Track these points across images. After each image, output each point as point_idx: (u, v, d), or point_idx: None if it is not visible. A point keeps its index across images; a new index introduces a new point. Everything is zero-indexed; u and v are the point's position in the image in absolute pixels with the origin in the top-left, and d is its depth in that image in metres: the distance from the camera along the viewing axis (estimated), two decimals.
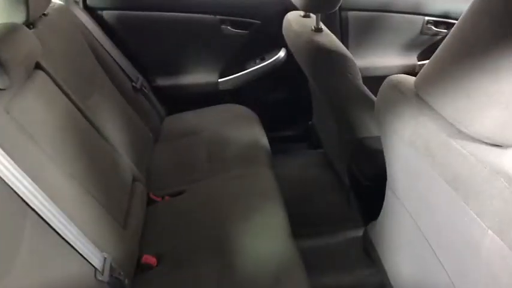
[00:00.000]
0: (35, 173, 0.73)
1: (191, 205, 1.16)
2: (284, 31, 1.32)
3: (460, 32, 0.51)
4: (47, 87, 0.93)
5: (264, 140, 1.43)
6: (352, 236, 1.44)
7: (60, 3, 1.28)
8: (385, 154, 0.80)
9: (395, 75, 0.71)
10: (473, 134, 0.48)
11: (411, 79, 0.66)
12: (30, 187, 0.70)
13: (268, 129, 1.52)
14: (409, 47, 1.79)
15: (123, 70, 1.42)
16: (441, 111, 0.52)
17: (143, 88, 1.50)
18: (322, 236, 1.45)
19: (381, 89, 0.72)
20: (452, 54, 0.52)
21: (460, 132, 0.50)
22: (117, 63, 1.39)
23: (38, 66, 0.93)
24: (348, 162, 1.17)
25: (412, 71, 1.82)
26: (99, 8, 1.45)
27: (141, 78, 1.51)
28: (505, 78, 0.44)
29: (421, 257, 0.75)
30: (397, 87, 0.66)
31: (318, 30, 1.11)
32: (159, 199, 1.22)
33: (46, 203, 0.72)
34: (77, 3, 1.39)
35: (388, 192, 0.86)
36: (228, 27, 1.57)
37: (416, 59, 1.83)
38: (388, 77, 0.71)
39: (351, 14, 1.63)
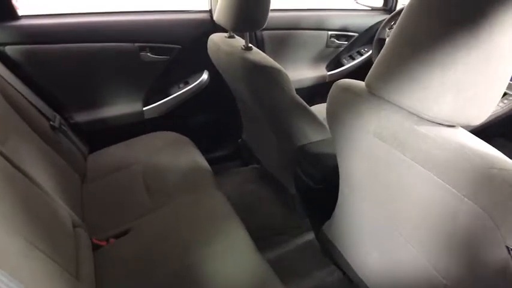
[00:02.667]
0: None
1: (142, 243, 1.08)
2: (210, 53, 1.34)
3: (403, 33, 0.59)
4: None
5: (203, 162, 1.41)
6: (302, 241, 1.50)
7: None
8: (339, 155, 0.85)
9: (341, 80, 0.77)
10: (433, 119, 0.55)
11: (359, 82, 0.73)
12: None
13: (200, 151, 1.51)
14: (318, 59, 1.96)
15: (37, 109, 1.27)
16: (400, 104, 0.59)
17: (62, 126, 1.37)
18: (274, 247, 1.47)
19: (331, 94, 0.78)
20: (400, 53, 0.59)
21: (421, 119, 0.57)
22: (29, 102, 1.25)
23: None
24: (292, 170, 1.22)
25: (323, 81, 1.99)
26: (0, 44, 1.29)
27: (58, 116, 1.38)
28: (452, 69, 0.52)
29: (385, 241, 0.81)
30: (348, 89, 0.72)
31: (248, 48, 1.15)
32: (103, 243, 1.11)
33: None
34: None
35: (344, 190, 0.92)
36: (148, 54, 1.53)
37: (325, 69, 2.01)
38: (335, 83, 0.78)
39: (265, 33, 1.74)
